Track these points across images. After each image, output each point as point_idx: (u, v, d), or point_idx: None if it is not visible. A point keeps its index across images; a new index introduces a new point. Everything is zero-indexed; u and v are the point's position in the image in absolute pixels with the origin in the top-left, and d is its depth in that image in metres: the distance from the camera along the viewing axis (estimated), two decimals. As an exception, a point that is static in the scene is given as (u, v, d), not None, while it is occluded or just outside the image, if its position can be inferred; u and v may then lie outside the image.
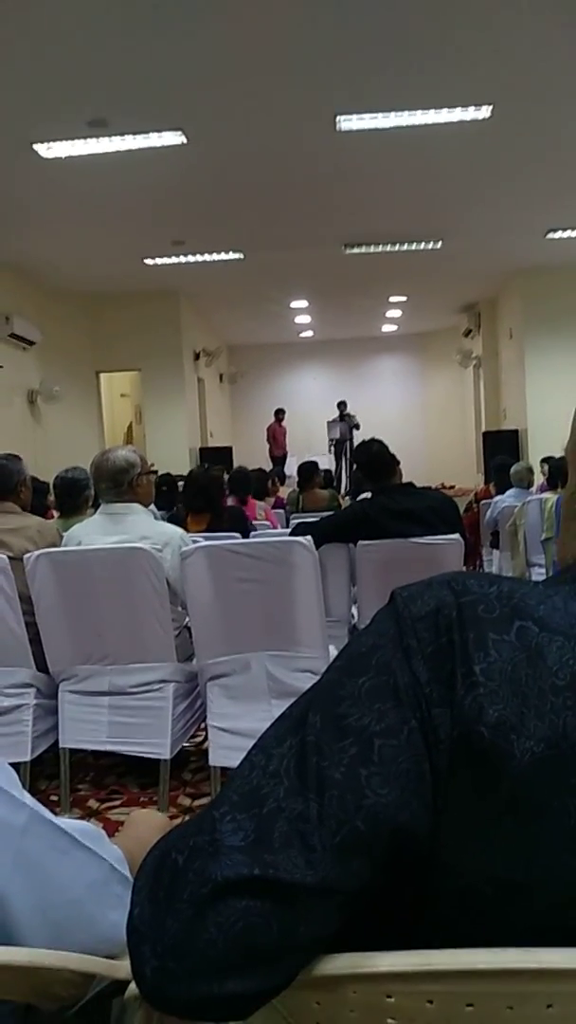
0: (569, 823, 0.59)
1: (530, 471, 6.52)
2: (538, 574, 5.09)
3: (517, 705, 0.60)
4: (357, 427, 13.75)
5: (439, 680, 0.61)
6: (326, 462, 11.43)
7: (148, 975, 0.56)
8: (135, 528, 2.97)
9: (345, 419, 14.10)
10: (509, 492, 6.20)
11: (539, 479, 6.88)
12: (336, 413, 14.34)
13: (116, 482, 2.99)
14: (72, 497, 3.90)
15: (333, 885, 0.57)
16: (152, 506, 3.89)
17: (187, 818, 2.75)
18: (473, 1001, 0.58)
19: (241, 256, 9.70)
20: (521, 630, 0.62)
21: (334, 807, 0.58)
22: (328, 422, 14.36)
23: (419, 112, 5.91)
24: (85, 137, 6.04)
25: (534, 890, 0.60)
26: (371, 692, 0.62)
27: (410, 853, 0.60)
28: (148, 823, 1.04)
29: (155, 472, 3.32)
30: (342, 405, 14.23)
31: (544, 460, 7.91)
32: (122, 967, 0.70)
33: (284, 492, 8.40)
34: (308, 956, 0.58)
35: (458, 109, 5.89)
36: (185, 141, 6.23)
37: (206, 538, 3.20)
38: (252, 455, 12.90)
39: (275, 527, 5.08)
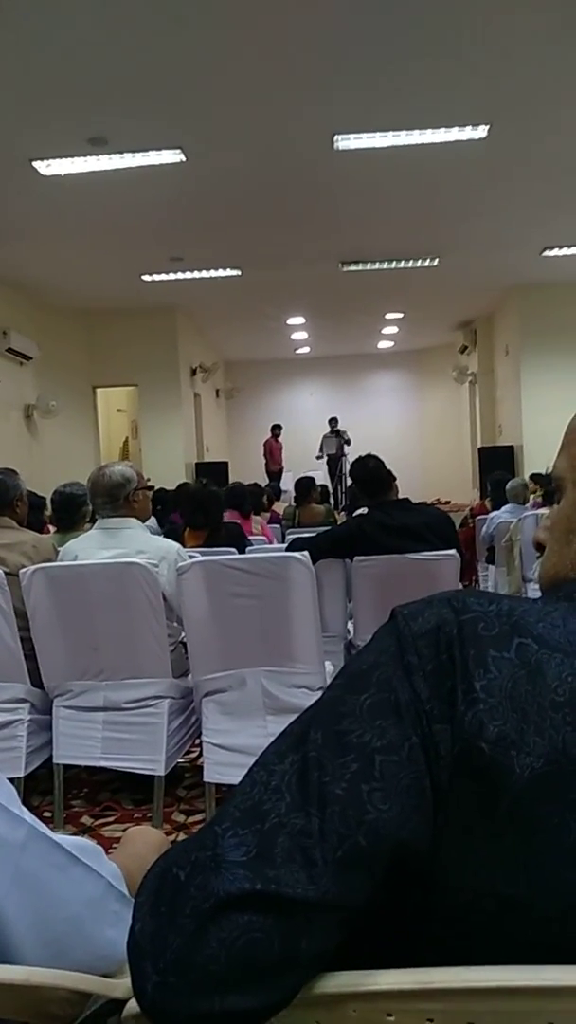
0: (570, 839, 0.59)
1: (526, 487, 6.54)
2: (534, 590, 5.09)
3: (517, 721, 0.60)
4: (348, 443, 13.74)
5: (439, 696, 0.62)
6: (320, 477, 11.42)
7: (149, 991, 0.56)
8: (131, 542, 2.97)
9: (337, 435, 14.09)
10: (505, 508, 6.21)
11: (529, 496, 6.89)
12: (327, 429, 14.29)
13: (112, 497, 2.99)
14: (70, 512, 3.89)
15: (335, 900, 0.57)
16: (152, 519, 3.88)
17: (182, 835, 2.74)
18: (473, 1020, 0.57)
19: (238, 273, 9.75)
20: (521, 647, 0.63)
21: (336, 822, 0.58)
22: (324, 437, 14.27)
23: (416, 132, 5.97)
24: (84, 155, 6.09)
25: (534, 906, 0.60)
26: (372, 709, 0.62)
27: (411, 869, 0.60)
28: (145, 840, 1.04)
29: (151, 488, 3.32)
30: (333, 421, 14.22)
31: (534, 477, 7.93)
32: (119, 986, 0.70)
33: (280, 507, 8.40)
34: (310, 972, 0.58)
35: (455, 129, 5.96)
36: (184, 159, 6.28)
37: (202, 553, 3.20)
38: (248, 470, 12.91)
39: (271, 542, 5.08)
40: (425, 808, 0.60)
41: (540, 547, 0.82)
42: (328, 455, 14.07)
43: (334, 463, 13.97)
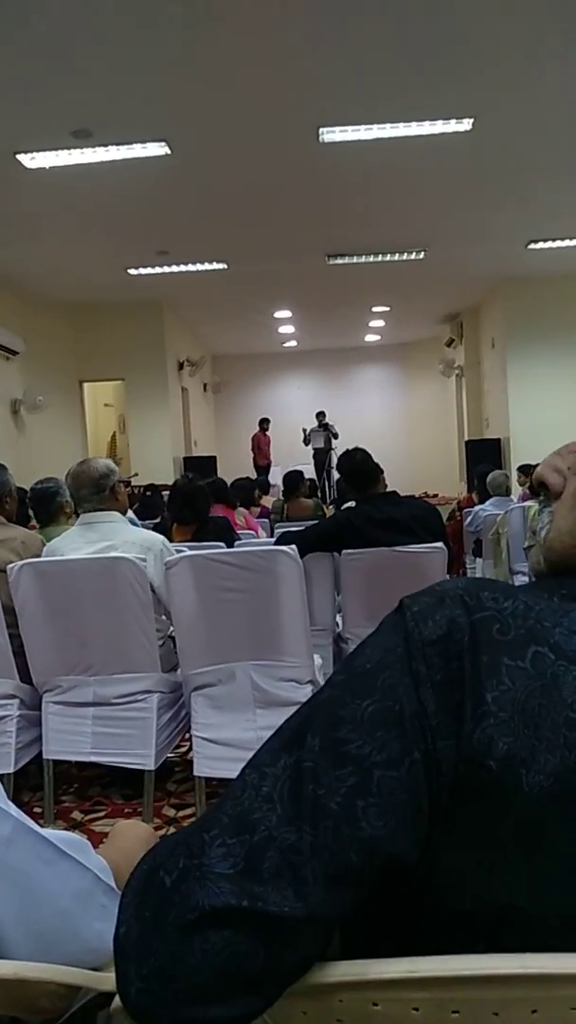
0: (575, 855, 0.59)
1: (507, 478, 6.56)
2: (521, 582, 5.09)
3: (528, 737, 0.58)
4: (336, 436, 13.71)
5: (447, 710, 0.59)
6: (308, 471, 11.34)
7: (133, 995, 0.56)
8: (116, 534, 2.96)
9: (325, 428, 14.05)
10: (491, 500, 6.22)
11: (517, 488, 6.91)
12: (315, 423, 14.19)
13: (99, 487, 2.98)
14: (46, 505, 3.88)
15: (321, 915, 0.56)
16: (131, 513, 3.85)
17: (172, 829, 2.74)
18: (458, 1008, 0.58)
19: (225, 266, 9.72)
20: (537, 656, 0.60)
21: (328, 838, 0.56)
22: (310, 431, 14.14)
23: (401, 125, 5.96)
24: (69, 147, 6.04)
25: (535, 917, 0.60)
26: (374, 717, 0.60)
27: (397, 880, 0.60)
28: (133, 834, 1.04)
29: (128, 482, 3.30)
30: (320, 415, 14.17)
31: (522, 468, 7.96)
32: (108, 979, 0.69)
33: (268, 501, 8.39)
34: (293, 978, 0.58)
35: (440, 122, 5.95)
36: (169, 152, 6.24)
37: (190, 547, 3.20)
38: (236, 464, 12.89)
39: (258, 535, 5.08)
40: (420, 823, 0.59)
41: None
42: (315, 448, 14.03)
43: (322, 457, 13.94)
